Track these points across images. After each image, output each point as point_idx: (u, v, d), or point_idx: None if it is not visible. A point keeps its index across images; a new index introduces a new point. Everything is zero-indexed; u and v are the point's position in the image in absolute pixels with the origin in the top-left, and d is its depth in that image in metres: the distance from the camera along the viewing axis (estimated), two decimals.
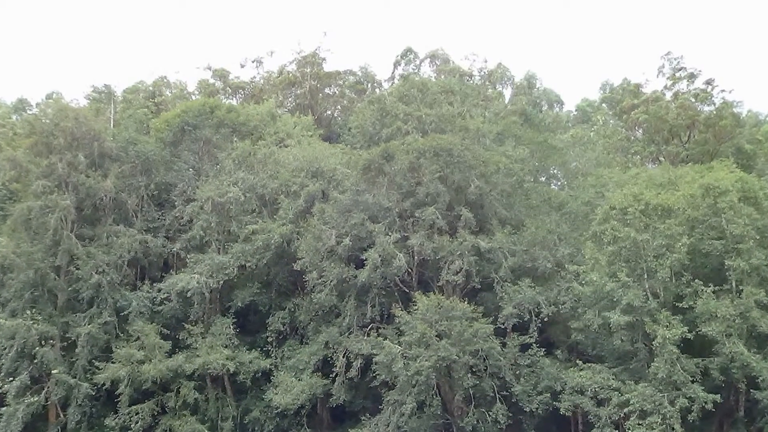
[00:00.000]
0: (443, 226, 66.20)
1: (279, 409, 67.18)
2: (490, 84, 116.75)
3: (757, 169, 77.97)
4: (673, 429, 53.75)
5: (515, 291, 64.38)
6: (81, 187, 74.50)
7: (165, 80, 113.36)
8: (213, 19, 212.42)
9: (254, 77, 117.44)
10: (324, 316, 69.97)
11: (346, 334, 67.03)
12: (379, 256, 64.38)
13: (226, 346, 70.46)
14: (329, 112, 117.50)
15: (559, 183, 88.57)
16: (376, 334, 65.51)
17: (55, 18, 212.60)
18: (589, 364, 60.09)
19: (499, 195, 70.94)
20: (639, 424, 54.50)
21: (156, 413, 70.15)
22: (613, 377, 58.05)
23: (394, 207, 67.48)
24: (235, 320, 72.96)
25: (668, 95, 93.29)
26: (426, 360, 59.50)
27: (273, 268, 74.06)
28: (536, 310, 63.94)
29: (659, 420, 53.83)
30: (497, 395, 61.94)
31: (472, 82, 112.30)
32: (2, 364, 68.87)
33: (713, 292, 56.25)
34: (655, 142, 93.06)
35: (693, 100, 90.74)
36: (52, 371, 69.24)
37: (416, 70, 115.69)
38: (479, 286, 66.07)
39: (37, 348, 68.76)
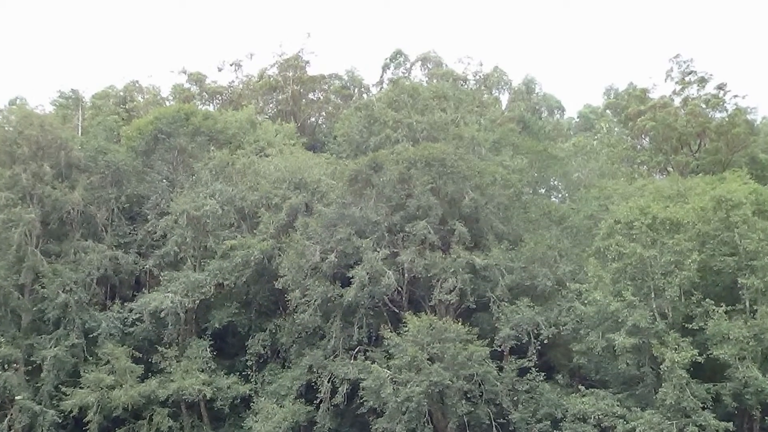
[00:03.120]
0: (435, 242, 66.19)
1: None
2: (485, 89, 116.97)
3: None
4: None
5: (513, 311, 64.36)
6: (47, 200, 74.44)
7: (137, 85, 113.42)
8: (189, 20, 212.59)
9: (233, 82, 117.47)
10: (308, 338, 69.72)
11: (332, 357, 66.88)
12: (367, 273, 64.38)
13: (202, 371, 70.21)
14: (313, 119, 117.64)
15: (559, 195, 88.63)
16: (363, 357, 65.50)
17: (19, 19, 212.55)
18: (593, 390, 60.11)
19: (496, 208, 71.06)
20: None
21: None
22: (618, 403, 58.02)
23: (382, 221, 67.45)
24: (212, 342, 72.72)
25: (677, 101, 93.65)
26: (417, 385, 59.46)
27: (253, 287, 74.05)
28: (535, 331, 63.95)
29: None
30: (494, 423, 61.92)
31: (466, 86, 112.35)
32: None
33: (725, 312, 56.35)
34: (663, 151, 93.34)
35: (704, 106, 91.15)
36: (16, 397, 69.12)
37: (406, 74, 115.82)
38: (474, 306, 66.04)
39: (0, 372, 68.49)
